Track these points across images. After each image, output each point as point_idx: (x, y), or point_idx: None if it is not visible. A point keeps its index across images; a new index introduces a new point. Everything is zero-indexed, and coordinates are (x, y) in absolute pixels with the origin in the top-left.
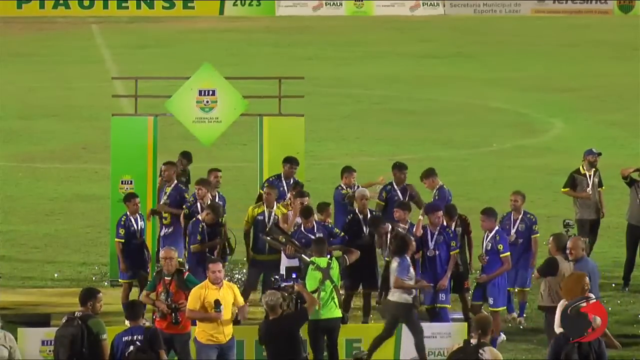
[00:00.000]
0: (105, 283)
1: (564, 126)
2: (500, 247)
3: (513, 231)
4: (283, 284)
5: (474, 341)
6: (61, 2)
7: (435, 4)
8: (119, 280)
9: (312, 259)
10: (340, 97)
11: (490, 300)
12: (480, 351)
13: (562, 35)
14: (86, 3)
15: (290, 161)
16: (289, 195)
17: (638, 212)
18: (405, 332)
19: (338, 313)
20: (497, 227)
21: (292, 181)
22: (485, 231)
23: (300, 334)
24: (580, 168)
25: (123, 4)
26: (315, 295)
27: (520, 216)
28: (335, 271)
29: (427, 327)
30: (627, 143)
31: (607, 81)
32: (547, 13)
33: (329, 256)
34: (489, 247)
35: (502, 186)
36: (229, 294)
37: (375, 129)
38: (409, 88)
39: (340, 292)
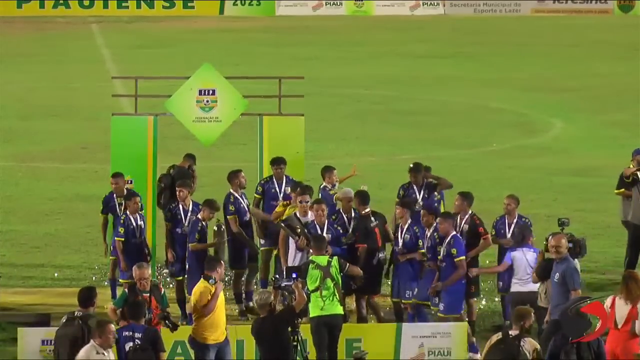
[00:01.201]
0: (105, 283)
1: (564, 126)
2: (454, 251)
3: (509, 235)
4: (283, 284)
5: (513, 332)
6: (61, 2)
7: (435, 4)
8: (119, 280)
9: (312, 257)
10: (340, 97)
11: (441, 306)
12: (522, 342)
13: (562, 35)
14: (86, 3)
15: (277, 162)
16: (282, 196)
17: None
18: (405, 332)
19: (340, 310)
20: (453, 232)
21: (284, 181)
22: (441, 235)
23: (301, 333)
24: (631, 167)
25: (123, 4)
26: (317, 293)
27: (514, 220)
28: (335, 269)
29: (428, 327)
30: (627, 143)
31: (607, 81)
32: (547, 13)
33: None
34: (445, 252)
35: (502, 186)
36: (222, 293)
37: (375, 129)
38: (409, 88)
39: None
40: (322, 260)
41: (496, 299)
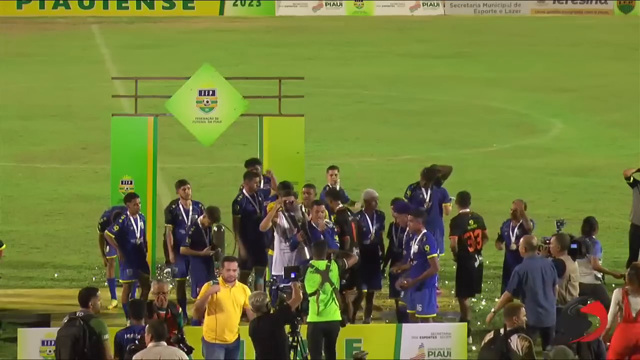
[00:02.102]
0: (105, 283)
1: (564, 126)
2: (427, 247)
3: (513, 238)
4: (282, 285)
5: (503, 330)
6: (61, 2)
7: (435, 4)
8: (119, 280)
9: (311, 262)
10: (340, 97)
11: (419, 307)
12: (511, 339)
13: (562, 35)
14: (86, 3)
15: (251, 163)
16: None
17: None
18: (405, 332)
19: (338, 316)
20: (424, 230)
21: (262, 181)
22: (412, 233)
23: (301, 334)
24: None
25: (123, 4)
26: (315, 297)
27: (519, 223)
28: (334, 273)
29: (428, 328)
30: (627, 143)
31: (607, 81)
32: (547, 13)
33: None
34: (416, 250)
35: (502, 186)
36: (240, 294)
37: (375, 129)
38: (408, 88)
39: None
40: (321, 264)
41: (496, 299)
